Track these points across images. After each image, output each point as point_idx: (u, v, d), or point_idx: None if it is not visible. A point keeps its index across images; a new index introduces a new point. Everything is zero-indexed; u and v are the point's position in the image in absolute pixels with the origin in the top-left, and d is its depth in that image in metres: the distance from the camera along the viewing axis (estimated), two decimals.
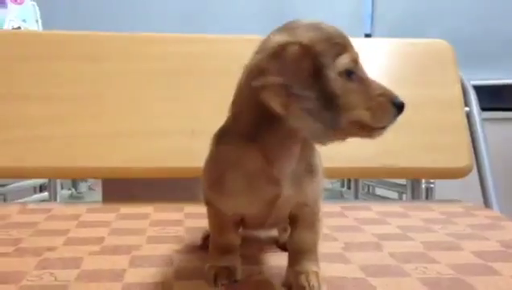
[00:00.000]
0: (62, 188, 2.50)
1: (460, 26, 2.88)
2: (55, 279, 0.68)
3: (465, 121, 1.33)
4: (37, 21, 2.17)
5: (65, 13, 2.76)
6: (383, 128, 0.62)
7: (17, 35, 1.47)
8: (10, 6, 2.10)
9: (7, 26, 2.04)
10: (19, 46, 1.32)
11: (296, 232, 0.69)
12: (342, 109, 0.57)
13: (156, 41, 1.35)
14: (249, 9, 2.78)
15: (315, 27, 0.60)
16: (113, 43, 1.34)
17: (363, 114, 0.59)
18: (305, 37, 0.58)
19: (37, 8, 2.17)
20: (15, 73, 1.28)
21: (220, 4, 2.84)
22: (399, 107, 0.61)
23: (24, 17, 2.13)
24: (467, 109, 1.35)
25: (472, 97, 1.38)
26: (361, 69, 0.61)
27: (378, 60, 1.39)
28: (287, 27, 0.61)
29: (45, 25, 2.17)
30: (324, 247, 0.73)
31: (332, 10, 2.93)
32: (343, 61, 0.59)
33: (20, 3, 2.13)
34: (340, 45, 0.60)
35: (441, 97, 1.35)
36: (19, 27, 2.08)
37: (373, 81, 0.61)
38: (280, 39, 0.58)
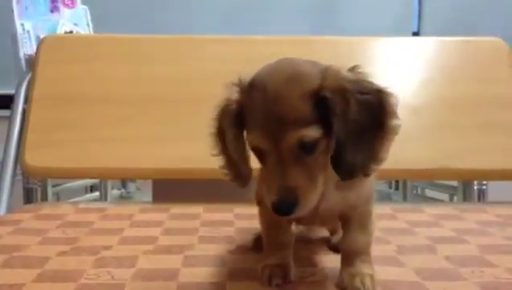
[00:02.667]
0: (112, 188, 2.55)
1: (510, 22, 2.80)
2: (113, 278, 0.69)
3: None
4: (88, 24, 2.23)
5: (115, 16, 2.82)
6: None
7: (71, 39, 1.52)
8: (63, 10, 2.16)
9: (60, 30, 2.10)
10: (74, 49, 1.35)
11: (349, 233, 0.68)
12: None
13: (209, 42, 1.37)
14: (298, 6, 2.77)
15: (252, 85, 0.61)
16: (169, 45, 1.37)
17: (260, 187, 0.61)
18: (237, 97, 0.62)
19: (88, 12, 2.22)
20: (69, 76, 1.31)
21: (269, 2, 2.84)
22: (276, 212, 0.57)
23: (76, 21, 2.19)
24: None
25: None
26: (268, 155, 0.58)
27: (430, 58, 1.37)
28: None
29: (95, 29, 2.22)
30: (376, 250, 0.72)
31: (379, 9, 2.89)
32: (249, 139, 0.61)
33: (72, 7, 2.19)
34: (249, 112, 0.60)
35: (495, 96, 1.31)
36: (71, 31, 2.14)
37: (272, 175, 0.58)
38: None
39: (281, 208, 0.56)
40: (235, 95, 0.62)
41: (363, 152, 0.57)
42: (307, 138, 0.57)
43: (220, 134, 0.65)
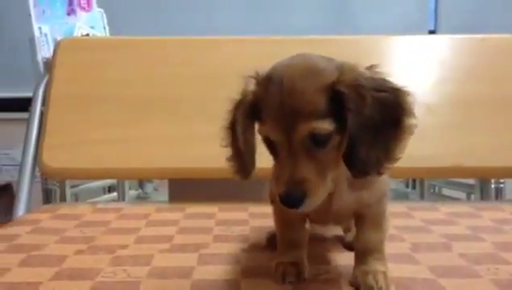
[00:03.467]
0: (130, 188, 2.58)
1: None
2: (128, 276, 0.70)
3: None
4: (104, 27, 2.25)
5: (130, 19, 2.84)
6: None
7: (88, 41, 1.53)
8: (80, 13, 2.19)
9: (77, 33, 2.13)
10: (90, 51, 1.37)
11: (362, 231, 0.68)
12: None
13: (224, 43, 1.37)
14: (314, 5, 2.77)
15: (267, 78, 0.61)
16: (183, 46, 1.38)
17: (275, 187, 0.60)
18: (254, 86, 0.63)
19: (104, 15, 2.25)
20: (86, 77, 1.33)
21: (284, 2, 2.84)
22: (284, 204, 0.57)
23: (92, 24, 2.21)
24: None
25: None
26: (279, 146, 0.59)
27: (446, 56, 1.36)
28: None
29: (112, 31, 2.24)
30: (391, 248, 0.72)
31: (395, 8, 2.88)
32: (260, 131, 0.62)
33: (88, 10, 2.21)
34: (263, 103, 0.60)
35: (510, 94, 1.30)
36: (88, 34, 2.16)
37: (283, 171, 0.58)
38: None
39: (288, 200, 0.57)
40: (251, 87, 0.63)
41: (377, 150, 0.57)
42: (319, 131, 0.57)
43: (232, 125, 0.66)
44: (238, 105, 0.65)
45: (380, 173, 0.59)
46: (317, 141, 0.57)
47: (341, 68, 0.59)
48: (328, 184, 0.59)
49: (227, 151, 0.67)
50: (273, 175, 0.67)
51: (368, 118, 0.56)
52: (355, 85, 0.57)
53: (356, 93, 0.57)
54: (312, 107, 0.57)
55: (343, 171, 0.61)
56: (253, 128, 0.63)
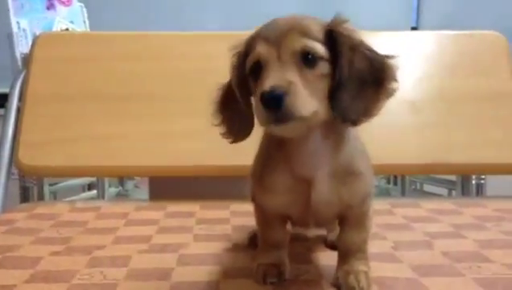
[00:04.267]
0: (109, 186, 2.55)
1: (508, 16, 2.78)
2: (105, 278, 0.69)
3: None
4: (84, 22, 2.22)
5: (111, 13, 2.81)
6: (273, 125, 0.56)
7: (66, 36, 1.51)
8: (59, 8, 2.15)
9: (56, 27, 2.09)
10: (69, 46, 1.34)
11: (345, 231, 0.68)
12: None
13: (205, 39, 1.35)
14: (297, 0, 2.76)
15: (260, 27, 0.62)
16: (165, 42, 1.36)
17: (255, 114, 0.58)
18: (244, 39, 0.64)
19: (84, 9, 2.21)
20: (64, 73, 1.30)
21: None
22: (263, 101, 0.54)
23: (72, 18, 2.18)
24: None
25: None
26: (267, 65, 0.58)
27: (429, 53, 1.36)
28: None
29: (92, 26, 2.21)
30: (373, 246, 0.71)
31: (378, 4, 2.88)
32: (247, 62, 0.60)
33: (68, 5, 2.18)
34: (251, 45, 0.61)
35: (493, 90, 1.30)
36: (67, 29, 2.13)
37: (270, 76, 0.56)
38: None
39: (270, 96, 0.54)
40: (240, 47, 0.64)
41: (358, 102, 0.58)
42: (311, 50, 0.57)
43: (225, 97, 0.65)
44: (232, 64, 0.64)
45: (355, 124, 0.59)
46: (307, 59, 0.57)
47: (335, 18, 0.61)
48: (313, 104, 0.56)
49: (220, 128, 0.66)
50: (253, 172, 0.67)
51: (356, 70, 0.59)
52: (349, 34, 0.60)
53: (349, 42, 0.59)
54: (307, 29, 0.59)
55: (324, 158, 0.61)
56: (247, 85, 0.62)
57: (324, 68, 0.58)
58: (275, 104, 0.54)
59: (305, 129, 0.58)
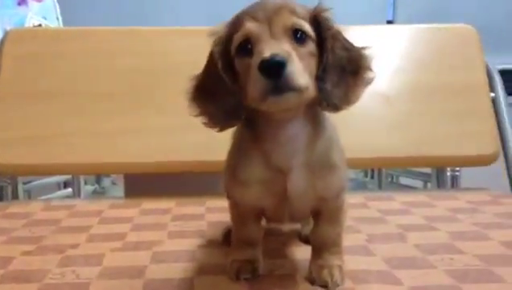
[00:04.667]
0: (86, 183, 2.52)
1: (483, 10, 2.82)
2: (77, 277, 0.68)
3: (491, 107, 1.29)
4: (57, 18, 2.19)
5: (85, 9, 2.77)
6: (270, 96, 0.55)
7: (38, 32, 1.48)
8: (31, 3, 2.12)
9: (28, 23, 2.06)
10: (41, 43, 1.32)
11: (319, 226, 0.68)
12: (242, 87, 0.59)
13: (179, 34, 1.34)
14: None
15: (243, 10, 0.62)
16: (135, 37, 1.34)
17: (249, 89, 0.57)
18: (226, 23, 0.63)
19: (57, 5, 2.18)
20: (36, 70, 1.28)
21: None
22: (263, 69, 0.54)
23: (45, 14, 2.15)
24: (492, 94, 1.32)
25: (498, 82, 1.34)
26: (258, 40, 0.58)
27: (402, 46, 1.37)
28: None
29: (65, 22, 2.18)
30: (347, 240, 0.71)
31: None
32: (234, 40, 0.60)
33: (40, 0, 2.15)
34: (237, 24, 0.60)
35: (466, 83, 1.31)
36: (40, 25, 2.10)
37: (266, 46, 0.56)
38: None
39: (272, 62, 0.54)
40: (221, 31, 0.63)
41: (339, 88, 0.60)
42: (301, 27, 0.59)
43: (202, 86, 0.64)
44: (212, 47, 0.63)
45: (337, 109, 0.61)
46: (298, 37, 0.59)
47: (317, 6, 0.63)
48: (307, 77, 0.57)
49: (202, 119, 0.64)
50: (227, 168, 0.66)
51: (337, 57, 0.60)
52: (332, 25, 0.62)
53: (331, 28, 0.61)
54: (296, 9, 0.60)
55: (301, 146, 0.62)
56: (232, 68, 0.62)
57: (311, 46, 0.60)
58: (276, 70, 0.54)
59: (297, 104, 0.58)
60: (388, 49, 1.37)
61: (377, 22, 2.88)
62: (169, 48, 1.31)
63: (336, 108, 0.60)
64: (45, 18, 2.15)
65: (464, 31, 1.39)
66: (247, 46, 0.59)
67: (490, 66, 1.36)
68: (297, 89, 0.55)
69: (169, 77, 1.26)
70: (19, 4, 2.11)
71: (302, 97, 0.57)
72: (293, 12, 0.59)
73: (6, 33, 1.35)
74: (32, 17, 2.10)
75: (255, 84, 0.55)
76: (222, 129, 0.64)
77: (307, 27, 0.59)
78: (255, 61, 0.55)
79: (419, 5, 2.96)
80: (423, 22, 1.45)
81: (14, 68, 1.28)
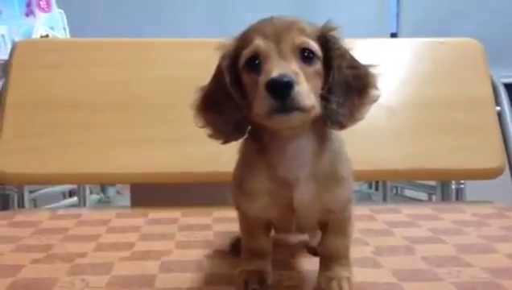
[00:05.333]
0: (91, 193, 2.53)
1: (488, 23, 2.82)
2: (87, 286, 0.68)
3: (496, 120, 1.30)
4: (64, 29, 2.20)
5: (91, 20, 2.79)
6: (276, 115, 0.56)
7: (46, 43, 1.50)
8: (39, 14, 2.13)
9: (35, 34, 2.07)
10: (48, 53, 1.33)
11: (326, 237, 0.68)
12: (249, 102, 0.60)
13: (186, 46, 1.35)
14: (275, 6, 2.77)
15: (251, 25, 0.63)
16: (142, 49, 1.35)
17: (255, 105, 0.58)
18: (235, 37, 0.64)
19: (64, 16, 2.20)
20: (44, 80, 1.29)
21: (244, 3, 2.83)
22: (270, 89, 0.55)
23: (52, 24, 2.16)
24: (498, 108, 1.32)
25: (504, 95, 1.35)
26: (267, 58, 0.58)
27: (407, 59, 1.37)
28: None
29: (72, 32, 2.20)
30: (354, 252, 0.72)
31: (357, 10, 2.91)
32: (243, 56, 0.61)
33: (48, 11, 2.16)
34: (246, 40, 0.61)
35: (471, 97, 1.32)
36: (47, 35, 2.11)
37: (274, 66, 0.57)
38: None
39: (279, 82, 0.54)
40: (229, 46, 0.64)
41: (345, 106, 0.61)
42: (310, 46, 0.59)
43: (208, 98, 0.64)
44: (220, 61, 0.64)
45: (342, 127, 0.61)
46: (305, 56, 0.59)
47: (326, 24, 0.63)
48: (313, 97, 0.57)
49: (207, 130, 0.65)
50: (234, 180, 0.67)
51: (344, 75, 0.61)
52: (339, 43, 0.62)
53: (339, 47, 0.62)
54: (304, 28, 0.61)
55: (307, 159, 0.62)
56: (239, 83, 0.62)
57: (318, 66, 0.60)
58: (284, 91, 0.54)
59: (303, 123, 0.59)
60: (394, 62, 1.38)
61: (381, 35, 2.90)
62: (176, 60, 1.32)
63: (341, 126, 0.61)
64: (52, 29, 2.16)
65: (470, 45, 1.40)
66: (255, 62, 0.59)
67: (496, 79, 1.37)
68: (303, 109, 0.56)
69: (176, 88, 1.26)
70: (27, 15, 2.12)
71: (307, 116, 0.58)
72: (302, 31, 0.60)
73: (15, 44, 1.37)
74: (39, 27, 2.11)
75: (262, 102, 0.56)
76: (226, 141, 0.65)
77: (315, 47, 0.60)
78: (263, 80, 0.56)
79: (423, 17, 2.97)
80: (427, 34, 1.47)
81: (21, 79, 1.29)
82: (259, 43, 0.59)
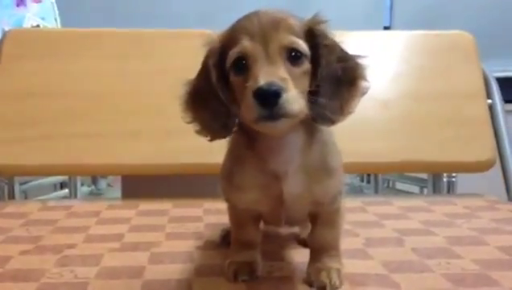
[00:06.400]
0: (82, 185, 2.51)
1: (480, 16, 2.83)
2: (76, 277, 0.68)
3: (488, 113, 1.30)
4: (56, 19, 2.19)
5: (82, 11, 2.77)
6: (264, 122, 0.55)
7: (37, 33, 1.48)
8: (30, 4, 2.12)
9: (26, 24, 2.06)
10: (39, 43, 1.32)
11: (316, 229, 0.68)
12: (235, 104, 0.60)
13: (179, 37, 1.34)
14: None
15: (238, 20, 0.62)
16: (133, 39, 1.34)
17: (242, 109, 0.57)
18: (220, 34, 0.63)
19: (55, 6, 2.18)
20: (34, 71, 1.28)
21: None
22: (258, 97, 0.54)
23: (43, 15, 2.15)
24: (489, 101, 1.32)
25: (495, 88, 1.35)
26: (254, 60, 0.57)
27: (399, 52, 1.37)
28: None
29: (63, 23, 2.18)
30: (344, 243, 0.72)
31: (350, 3, 2.90)
32: (230, 56, 0.59)
33: (39, 2, 2.14)
34: (233, 38, 0.60)
35: (463, 90, 1.32)
36: (38, 25, 2.10)
37: (261, 72, 0.56)
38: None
39: (267, 91, 0.53)
40: (215, 42, 0.62)
41: (334, 101, 0.60)
42: (297, 46, 0.58)
43: (196, 94, 0.64)
44: (207, 58, 0.63)
45: (332, 123, 0.61)
46: (293, 57, 0.58)
47: (314, 17, 0.62)
48: (301, 101, 0.57)
49: (194, 126, 0.64)
50: (223, 171, 0.66)
51: (332, 69, 0.60)
52: (327, 36, 0.61)
53: (327, 40, 0.61)
54: (291, 26, 0.59)
55: (296, 152, 0.62)
56: (225, 80, 0.61)
57: (306, 65, 0.59)
58: (272, 100, 0.53)
59: (291, 126, 0.58)
60: (386, 55, 1.38)
61: (374, 28, 2.89)
62: (169, 51, 1.32)
63: (331, 122, 0.60)
64: (43, 19, 2.15)
65: (461, 38, 1.40)
66: (242, 62, 0.58)
67: (487, 73, 1.37)
68: (290, 116, 0.55)
69: (168, 80, 1.25)
70: (18, 5, 2.11)
71: (295, 120, 0.57)
72: (289, 29, 0.59)
73: (5, 33, 1.35)
74: (30, 18, 2.10)
75: (249, 108, 0.55)
76: (213, 139, 0.64)
77: (303, 46, 0.59)
78: (251, 87, 0.55)
79: (416, 10, 2.96)
80: (420, 27, 1.46)
81: (12, 69, 1.28)
82: (246, 44, 0.58)
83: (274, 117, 0.54)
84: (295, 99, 0.55)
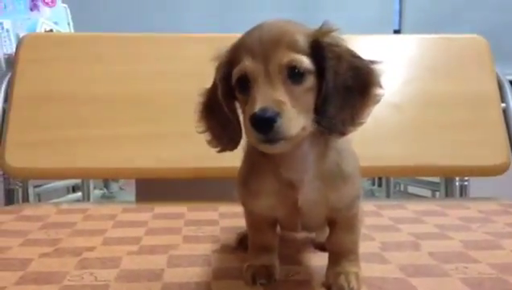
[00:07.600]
0: (94, 188, 2.53)
1: (493, 20, 2.81)
2: (96, 279, 0.69)
3: (502, 117, 1.30)
4: (69, 23, 2.20)
5: (95, 15, 2.79)
6: (263, 144, 0.56)
7: (52, 37, 1.50)
8: (43, 9, 2.13)
9: (40, 29, 2.07)
10: (54, 48, 1.33)
11: (335, 234, 0.68)
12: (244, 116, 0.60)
13: (191, 41, 1.35)
14: (280, 4, 2.76)
15: (243, 35, 0.62)
16: (146, 43, 1.35)
17: (244, 130, 0.58)
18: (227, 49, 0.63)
19: (68, 11, 2.20)
20: (50, 75, 1.30)
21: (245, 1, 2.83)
22: (253, 124, 0.54)
23: (56, 19, 2.16)
24: (503, 105, 1.32)
25: (509, 92, 1.35)
26: (254, 81, 0.57)
27: (413, 56, 1.37)
28: None
29: (76, 27, 2.19)
30: (361, 247, 0.72)
31: (359, 8, 2.90)
32: (234, 74, 0.60)
33: (52, 6, 2.16)
34: (236, 56, 0.60)
35: (477, 94, 1.32)
36: (51, 30, 2.11)
37: (259, 95, 0.56)
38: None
39: (261, 117, 0.54)
40: (223, 57, 0.63)
41: (345, 111, 0.59)
42: (298, 64, 0.57)
43: (210, 101, 0.65)
44: (216, 72, 0.64)
45: (343, 134, 0.60)
46: (294, 75, 0.57)
47: (322, 28, 0.61)
48: (301, 121, 0.56)
49: (205, 136, 0.65)
50: (240, 176, 0.67)
51: (342, 79, 0.59)
52: (335, 44, 0.60)
53: (335, 52, 0.59)
54: (293, 42, 0.58)
55: (311, 161, 0.62)
56: (232, 95, 0.62)
57: (310, 81, 0.58)
58: (266, 126, 0.54)
59: (294, 145, 0.58)
60: (398, 59, 1.38)
61: (384, 32, 2.89)
62: (182, 55, 1.32)
63: (341, 134, 0.60)
64: (56, 24, 2.16)
65: (475, 42, 1.40)
66: (245, 81, 0.59)
67: (501, 76, 1.37)
68: (288, 139, 0.55)
69: (183, 84, 1.26)
70: (31, 9, 2.12)
71: (295, 141, 0.57)
72: (291, 45, 0.58)
73: (21, 38, 1.37)
74: (44, 22, 2.11)
75: (248, 131, 0.56)
76: (222, 151, 0.65)
77: (306, 63, 0.58)
78: (248, 112, 0.55)
79: (426, 14, 2.96)
80: (430, 32, 1.46)
81: (27, 73, 1.30)
82: (247, 63, 0.58)
83: (271, 141, 0.55)
84: (291, 122, 0.55)
